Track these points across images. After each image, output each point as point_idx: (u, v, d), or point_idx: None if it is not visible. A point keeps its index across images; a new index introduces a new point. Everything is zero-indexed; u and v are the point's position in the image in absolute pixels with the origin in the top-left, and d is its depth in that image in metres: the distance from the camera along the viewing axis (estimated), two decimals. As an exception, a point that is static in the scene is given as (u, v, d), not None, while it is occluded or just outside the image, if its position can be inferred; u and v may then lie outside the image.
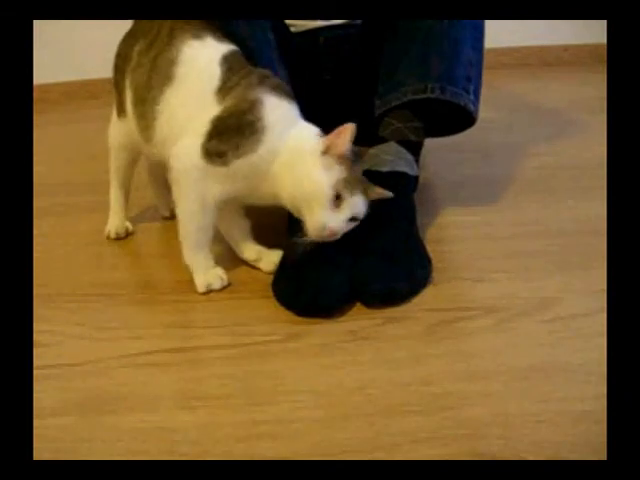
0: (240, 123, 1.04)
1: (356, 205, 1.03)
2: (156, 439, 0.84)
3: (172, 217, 1.26)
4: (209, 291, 1.11)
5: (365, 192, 1.05)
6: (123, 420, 0.87)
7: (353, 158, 1.05)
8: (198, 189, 1.06)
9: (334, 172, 1.02)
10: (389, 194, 1.09)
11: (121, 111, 1.21)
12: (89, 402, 0.90)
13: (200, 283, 1.11)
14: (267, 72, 1.11)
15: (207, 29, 1.12)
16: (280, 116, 1.06)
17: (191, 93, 1.09)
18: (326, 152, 1.03)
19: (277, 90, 1.08)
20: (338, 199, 1.02)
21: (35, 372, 0.88)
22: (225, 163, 1.04)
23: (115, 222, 1.32)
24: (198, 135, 1.05)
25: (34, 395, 0.82)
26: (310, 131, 1.08)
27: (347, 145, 1.03)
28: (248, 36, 1.18)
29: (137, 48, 1.15)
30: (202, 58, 1.10)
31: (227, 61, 1.09)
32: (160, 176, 1.27)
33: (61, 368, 0.97)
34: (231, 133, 1.04)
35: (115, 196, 1.33)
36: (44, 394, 0.91)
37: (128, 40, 1.20)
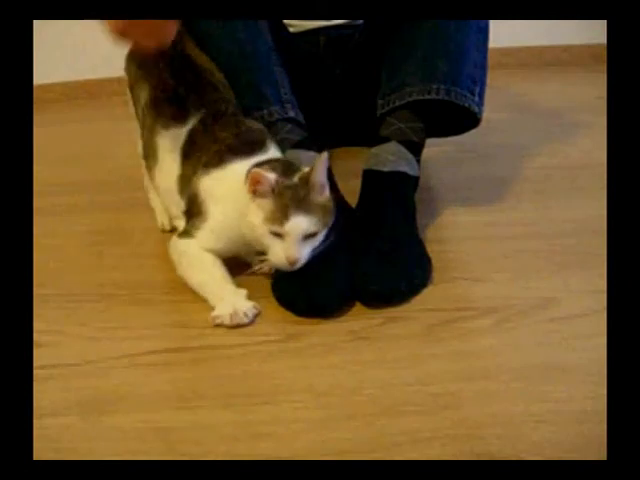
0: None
1: (298, 227, 0.99)
2: (156, 439, 0.84)
3: (172, 231, 1.26)
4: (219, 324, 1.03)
5: (309, 206, 1.00)
6: (123, 420, 0.87)
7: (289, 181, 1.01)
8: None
9: (262, 209, 1.00)
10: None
11: None
12: (89, 402, 0.90)
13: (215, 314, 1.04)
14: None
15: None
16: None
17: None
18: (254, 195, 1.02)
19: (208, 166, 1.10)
20: (277, 234, 1.00)
21: (35, 372, 0.88)
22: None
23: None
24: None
25: (34, 395, 0.82)
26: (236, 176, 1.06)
27: (267, 185, 1.00)
28: (246, 39, 1.19)
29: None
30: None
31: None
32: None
33: (61, 368, 0.97)
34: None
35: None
36: (44, 394, 0.91)
37: None
